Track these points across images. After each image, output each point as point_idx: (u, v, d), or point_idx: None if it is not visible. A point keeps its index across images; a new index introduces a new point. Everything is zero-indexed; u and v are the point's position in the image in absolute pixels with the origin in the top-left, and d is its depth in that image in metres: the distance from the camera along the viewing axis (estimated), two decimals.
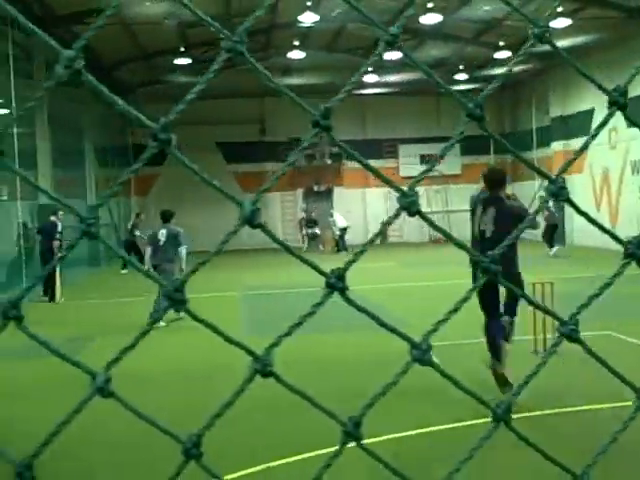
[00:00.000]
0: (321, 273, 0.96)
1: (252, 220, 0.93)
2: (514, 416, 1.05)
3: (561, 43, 26.06)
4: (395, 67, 30.18)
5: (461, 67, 32.35)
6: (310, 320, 0.97)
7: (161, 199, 34.66)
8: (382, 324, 1.02)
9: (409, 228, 35.67)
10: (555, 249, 25.55)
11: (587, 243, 29.48)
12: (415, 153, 37.69)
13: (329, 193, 38.39)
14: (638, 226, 25.22)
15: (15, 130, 18.45)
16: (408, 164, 38.06)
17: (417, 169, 38.31)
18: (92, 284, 19.70)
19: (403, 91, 33.23)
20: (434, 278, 20.23)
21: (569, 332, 1.03)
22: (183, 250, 14.62)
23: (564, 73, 30.99)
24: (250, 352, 0.94)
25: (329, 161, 36.69)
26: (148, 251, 14.89)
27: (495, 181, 8.86)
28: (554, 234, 26.08)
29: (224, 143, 33.70)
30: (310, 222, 35.42)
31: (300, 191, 38.08)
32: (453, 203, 36.81)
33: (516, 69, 30.89)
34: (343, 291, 0.96)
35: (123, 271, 26.09)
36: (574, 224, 30.79)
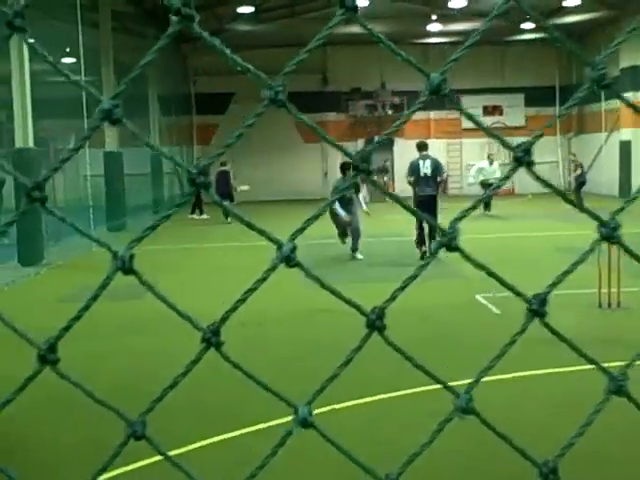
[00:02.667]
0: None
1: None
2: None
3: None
4: (459, 16, 29.56)
5: (528, 16, 31.51)
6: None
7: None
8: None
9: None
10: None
11: None
12: (478, 104, 37.05)
13: (390, 144, 38.09)
14: None
15: (82, 77, 18.68)
16: None
17: (480, 121, 37.66)
18: (156, 231, 19.97)
19: (467, 40, 32.55)
20: (492, 231, 20.12)
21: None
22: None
23: (635, 22, 29.91)
24: (440, 228, 0.96)
25: (390, 112, 36.34)
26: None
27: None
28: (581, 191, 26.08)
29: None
30: (381, 170, 35.13)
31: (361, 142, 37.87)
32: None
33: (584, 17, 29.96)
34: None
35: (191, 216, 26.70)
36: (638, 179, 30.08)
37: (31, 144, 16.31)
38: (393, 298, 0.97)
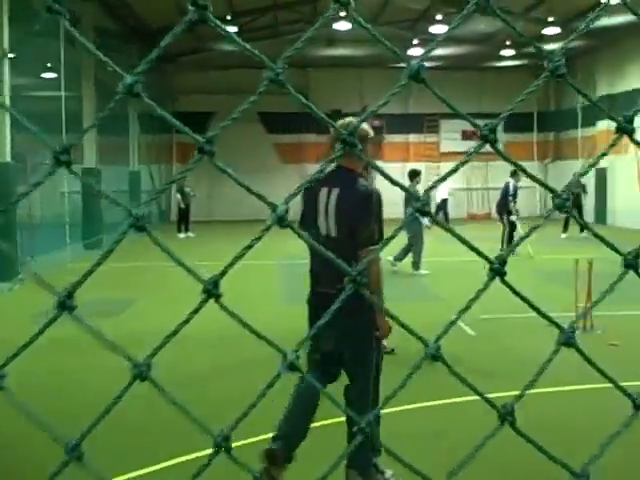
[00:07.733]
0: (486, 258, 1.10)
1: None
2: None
3: (614, 20, 25.53)
4: (441, 41, 29.75)
5: (508, 43, 31.88)
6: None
7: (202, 167, 34.71)
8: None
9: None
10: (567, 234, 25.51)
11: (627, 225, 29.04)
12: (457, 129, 37.35)
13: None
14: None
15: (63, 93, 18.62)
16: (449, 139, 37.73)
17: (458, 145, 38.00)
18: (137, 248, 19.88)
19: (447, 65, 32.84)
20: (467, 254, 20.16)
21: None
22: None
23: (612, 51, 30.40)
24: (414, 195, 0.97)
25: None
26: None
27: None
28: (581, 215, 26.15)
29: (265, 113, 33.59)
30: None
31: None
32: (493, 180, 36.44)
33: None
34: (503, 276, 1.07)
35: (180, 235, 26.70)
36: (616, 205, 30.42)
37: (8, 159, 16.26)
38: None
